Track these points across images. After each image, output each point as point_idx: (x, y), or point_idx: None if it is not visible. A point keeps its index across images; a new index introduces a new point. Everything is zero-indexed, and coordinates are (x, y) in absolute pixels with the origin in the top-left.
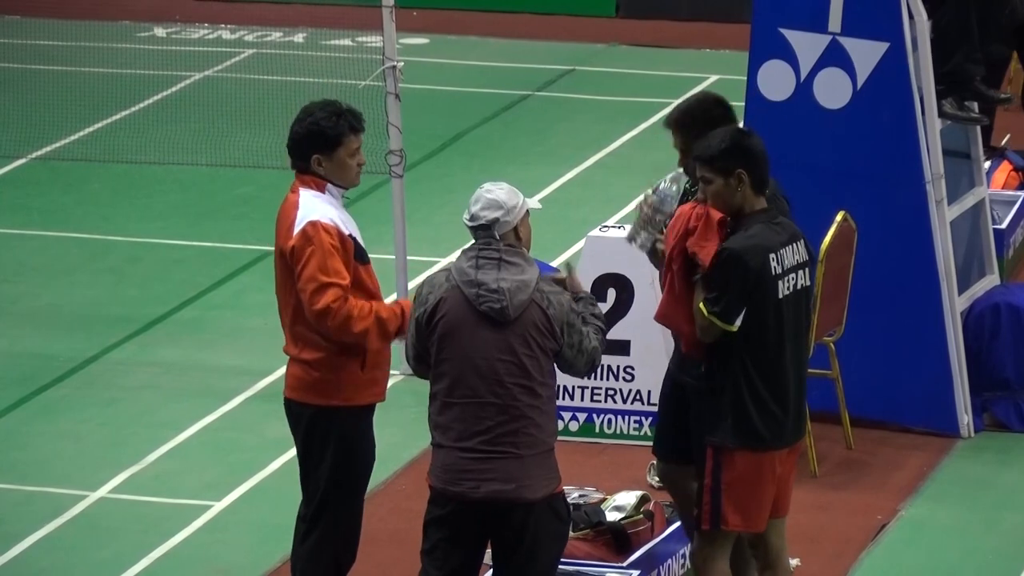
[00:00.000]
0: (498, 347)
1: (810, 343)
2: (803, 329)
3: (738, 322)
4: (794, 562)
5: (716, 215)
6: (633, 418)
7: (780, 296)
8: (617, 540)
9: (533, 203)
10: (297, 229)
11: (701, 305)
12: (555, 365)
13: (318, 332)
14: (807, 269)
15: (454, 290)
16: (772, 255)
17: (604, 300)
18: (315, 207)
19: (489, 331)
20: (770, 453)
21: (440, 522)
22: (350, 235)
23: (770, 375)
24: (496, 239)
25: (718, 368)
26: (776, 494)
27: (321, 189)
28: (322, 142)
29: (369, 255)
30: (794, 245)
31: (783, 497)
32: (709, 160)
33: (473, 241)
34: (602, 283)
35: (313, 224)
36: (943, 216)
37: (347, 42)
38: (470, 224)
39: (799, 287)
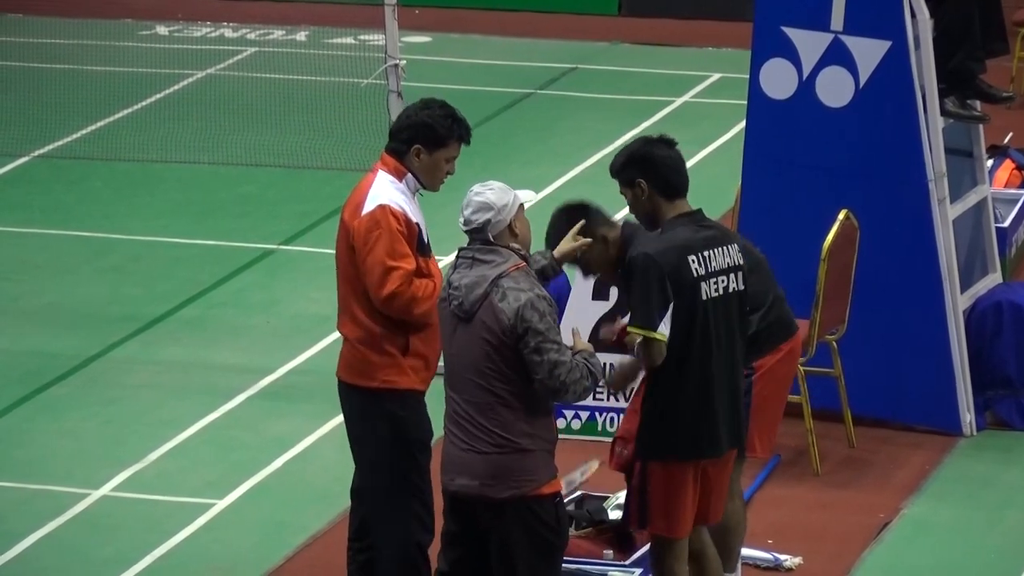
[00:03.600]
0: (466, 344)
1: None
2: (735, 333)
3: (663, 327)
4: (796, 560)
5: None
6: None
7: (704, 298)
8: (619, 538)
9: (526, 196)
10: (366, 210)
11: (628, 326)
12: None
13: (366, 311)
14: (740, 273)
15: (443, 290)
16: (692, 256)
17: (606, 299)
18: (387, 192)
19: (461, 328)
20: (694, 463)
21: (444, 515)
22: (417, 223)
23: (697, 383)
24: (490, 240)
25: (649, 379)
26: (705, 502)
27: (399, 177)
28: (429, 136)
29: None
30: (725, 247)
31: (714, 505)
32: (613, 175)
33: None
34: (604, 281)
35: (382, 208)
36: (945, 214)
37: (349, 40)
38: (464, 229)
39: (730, 290)
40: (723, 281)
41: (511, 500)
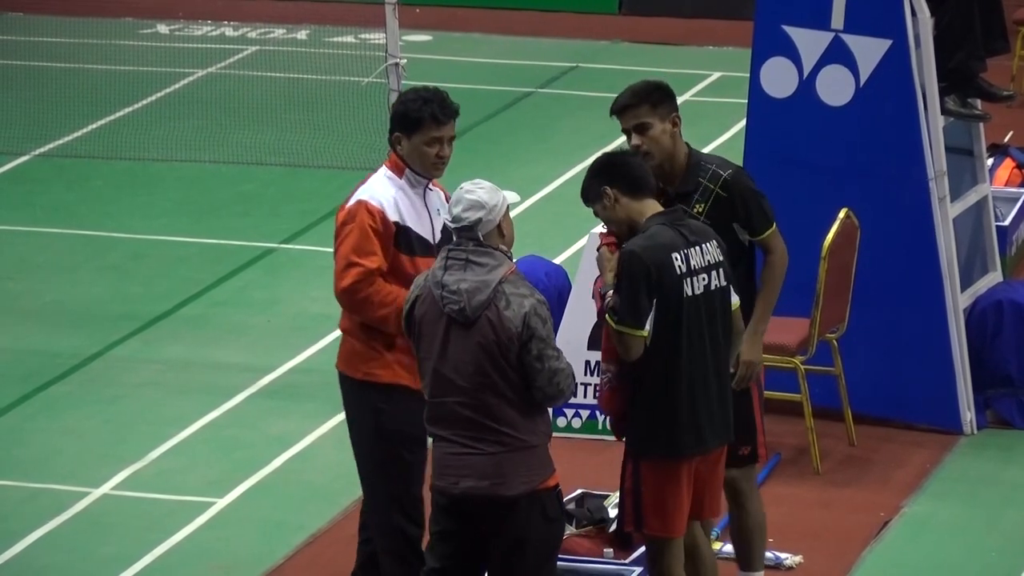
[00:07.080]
0: (464, 347)
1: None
2: (719, 329)
3: (648, 325)
4: (796, 559)
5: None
6: None
7: (687, 296)
8: (619, 537)
9: (511, 196)
10: (348, 204)
11: (608, 318)
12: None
13: None
14: (721, 269)
15: (428, 290)
16: (674, 254)
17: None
18: (376, 188)
19: (456, 332)
20: (684, 460)
21: (436, 515)
22: (396, 222)
23: (681, 381)
24: (479, 239)
25: (635, 378)
26: (699, 498)
27: (399, 173)
28: (403, 122)
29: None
30: (704, 245)
31: (710, 500)
32: (584, 201)
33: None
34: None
35: (359, 203)
36: (946, 213)
37: (350, 39)
38: (453, 226)
39: (712, 287)
40: (704, 279)
41: (523, 495)
